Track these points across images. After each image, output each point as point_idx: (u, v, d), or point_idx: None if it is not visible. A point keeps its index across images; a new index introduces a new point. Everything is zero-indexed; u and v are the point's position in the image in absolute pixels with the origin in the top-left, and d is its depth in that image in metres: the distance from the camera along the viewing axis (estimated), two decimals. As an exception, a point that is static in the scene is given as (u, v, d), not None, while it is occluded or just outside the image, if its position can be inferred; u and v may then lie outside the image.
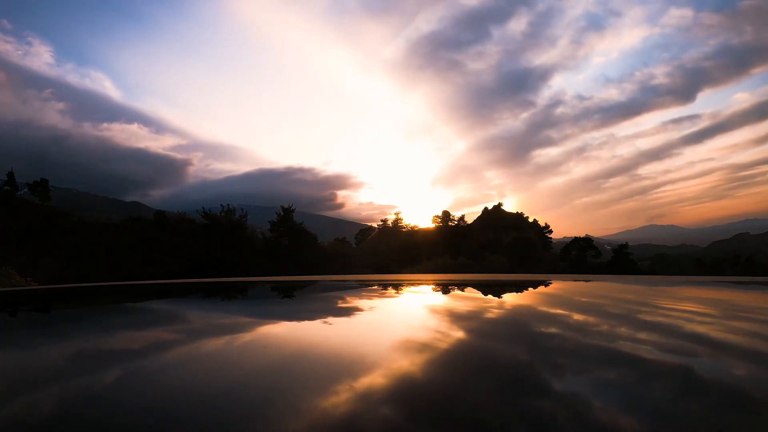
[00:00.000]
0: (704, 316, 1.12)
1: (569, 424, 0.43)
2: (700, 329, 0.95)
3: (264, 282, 2.58)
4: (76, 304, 1.57)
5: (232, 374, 0.60)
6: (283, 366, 0.65)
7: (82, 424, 0.44)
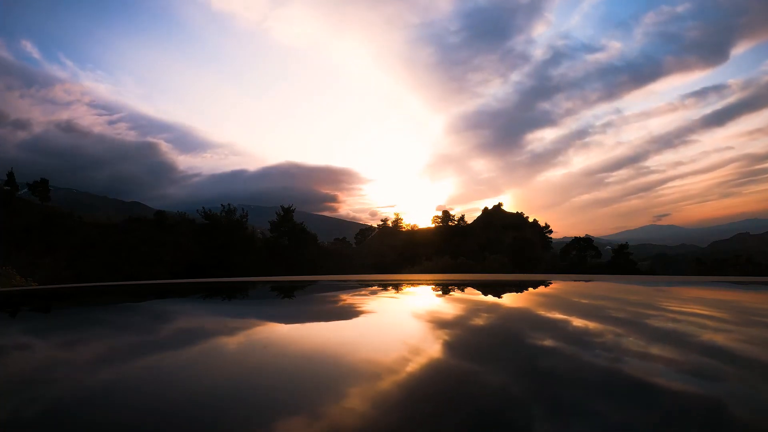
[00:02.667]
0: (718, 322, 1.03)
1: None
2: (719, 339, 0.82)
3: (264, 282, 2.58)
4: (76, 304, 1.57)
5: (233, 374, 0.60)
6: (283, 366, 0.65)
7: (83, 424, 0.44)
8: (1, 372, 0.64)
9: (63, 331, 0.99)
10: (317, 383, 0.56)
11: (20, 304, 1.55)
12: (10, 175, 27.58)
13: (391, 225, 41.97)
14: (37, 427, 0.43)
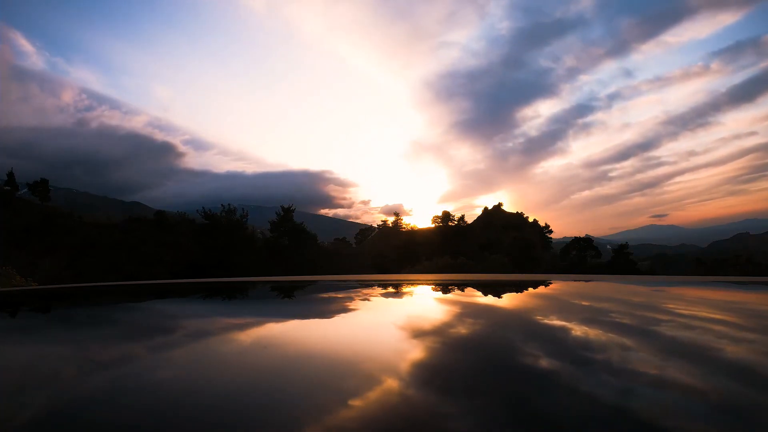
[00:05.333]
0: (736, 329, 0.93)
1: None
2: (745, 354, 0.69)
3: (264, 282, 2.58)
4: (76, 304, 1.57)
5: (232, 374, 0.60)
6: (282, 366, 0.65)
7: (83, 424, 0.44)
8: (1, 372, 0.64)
9: (62, 331, 0.99)
10: (316, 383, 0.56)
11: (20, 304, 1.55)
12: (10, 175, 27.61)
13: (391, 225, 41.99)
14: (37, 427, 0.43)
